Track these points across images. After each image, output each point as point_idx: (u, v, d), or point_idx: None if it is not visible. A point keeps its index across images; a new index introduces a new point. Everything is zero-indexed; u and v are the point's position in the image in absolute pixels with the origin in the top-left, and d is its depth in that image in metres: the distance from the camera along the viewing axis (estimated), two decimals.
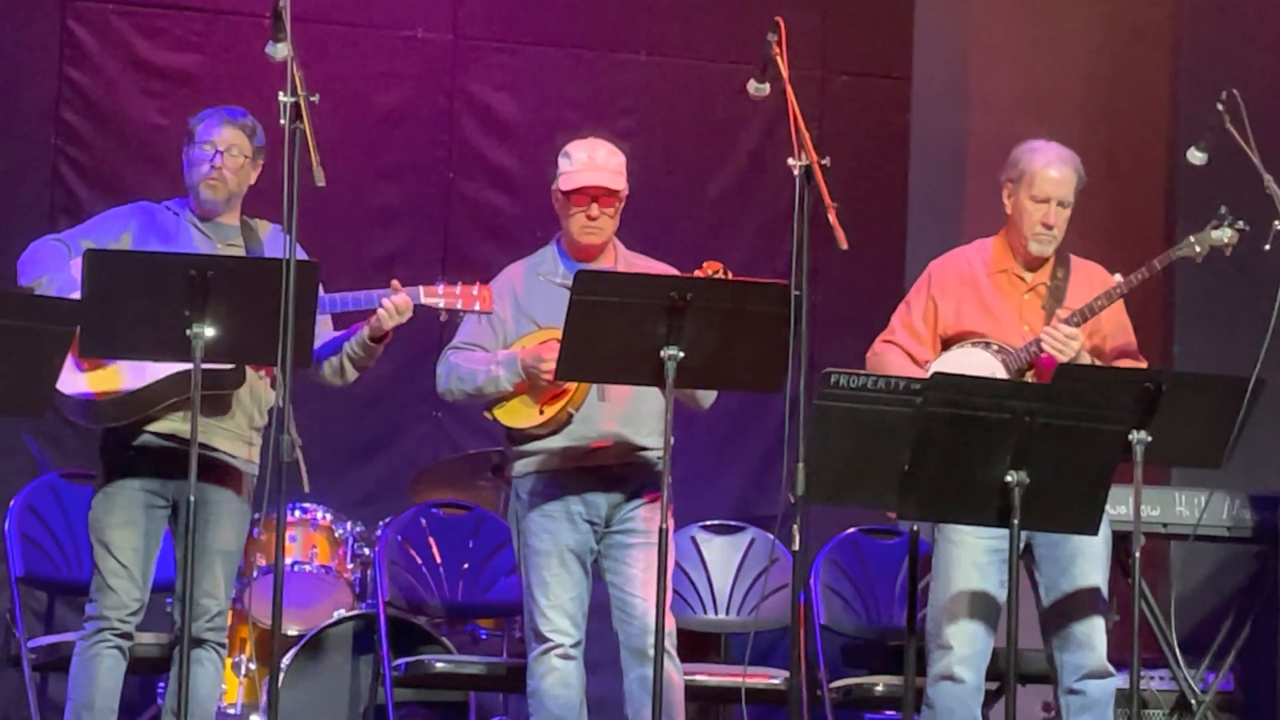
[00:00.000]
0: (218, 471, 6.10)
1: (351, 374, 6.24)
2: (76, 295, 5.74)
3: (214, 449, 6.07)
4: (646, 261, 6.46)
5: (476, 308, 6.14)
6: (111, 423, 6.09)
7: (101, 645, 6.07)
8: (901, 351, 6.34)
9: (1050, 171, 6.31)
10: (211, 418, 6.01)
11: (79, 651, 6.11)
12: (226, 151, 6.20)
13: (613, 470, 6.31)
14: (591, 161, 6.34)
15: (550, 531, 6.28)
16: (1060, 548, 6.17)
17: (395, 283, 6.12)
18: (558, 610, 6.25)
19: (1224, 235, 6.31)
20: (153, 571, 6.15)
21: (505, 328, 6.34)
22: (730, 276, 5.99)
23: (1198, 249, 6.32)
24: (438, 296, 6.12)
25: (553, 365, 5.99)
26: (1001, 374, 6.20)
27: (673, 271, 6.31)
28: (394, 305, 6.06)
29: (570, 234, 6.37)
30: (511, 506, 6.39)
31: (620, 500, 6.31)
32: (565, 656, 6.25)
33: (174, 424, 6.07)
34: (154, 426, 6.08)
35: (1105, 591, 6.23)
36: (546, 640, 6.25)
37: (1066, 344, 6.17)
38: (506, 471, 6.42)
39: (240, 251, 6.21)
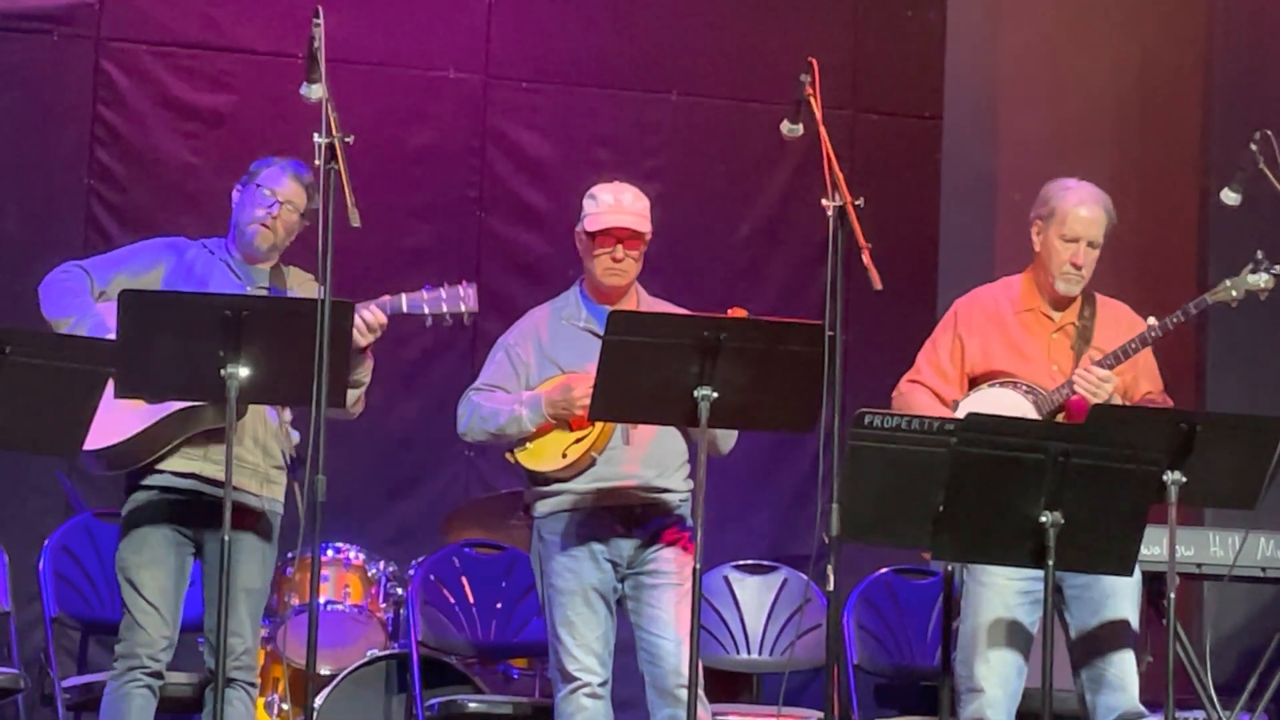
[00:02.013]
0: (238, 510, 6.01)
1: (350, 394, 6.18)
2: (110, 336, 5.76)
3: (234, 487, 5.97)
4: (667, 306, 6.45)
5: (462, 308, 6.08)
6: (123, 469, 6.09)
7: (131, 685, 6.06)
8: (928, 391, 6.30)
9: (1081, 211, 6.28)
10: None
11: (109, 691, 6.10)
12: (284, 204, 6.21)
13: (635, 511, 6.30)
14: (618, 204, 6.34)
15: (573, 571, 6.27)
16: (1092, 588, 6.13)
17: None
18: (584, 649, 6.24)
19: (1260, 280, 6.26)
20: (181, 609, 6.15)
21: (528, 370, 6.34)
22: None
23: (1234, 293, 6.28)
24: (421, 302, 6.06)
25: (579, 395, 6.02)
26: (1032, 414, 6.16)
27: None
28: (364, 323, 6.01)
29: (593, 276, 6.37)
30: (534, 547, 6.37)
31: (642, 542, 6.29)
32: (593, 695, 6.24)
33: (192, 463, 6.07)
34: (171, 465, 6.08)
35: (1137, 631, 6.20)
36: (574, 679, 6.24)
37: (1100, 386, 6.13)
38: (531, 512, 6.42)
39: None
